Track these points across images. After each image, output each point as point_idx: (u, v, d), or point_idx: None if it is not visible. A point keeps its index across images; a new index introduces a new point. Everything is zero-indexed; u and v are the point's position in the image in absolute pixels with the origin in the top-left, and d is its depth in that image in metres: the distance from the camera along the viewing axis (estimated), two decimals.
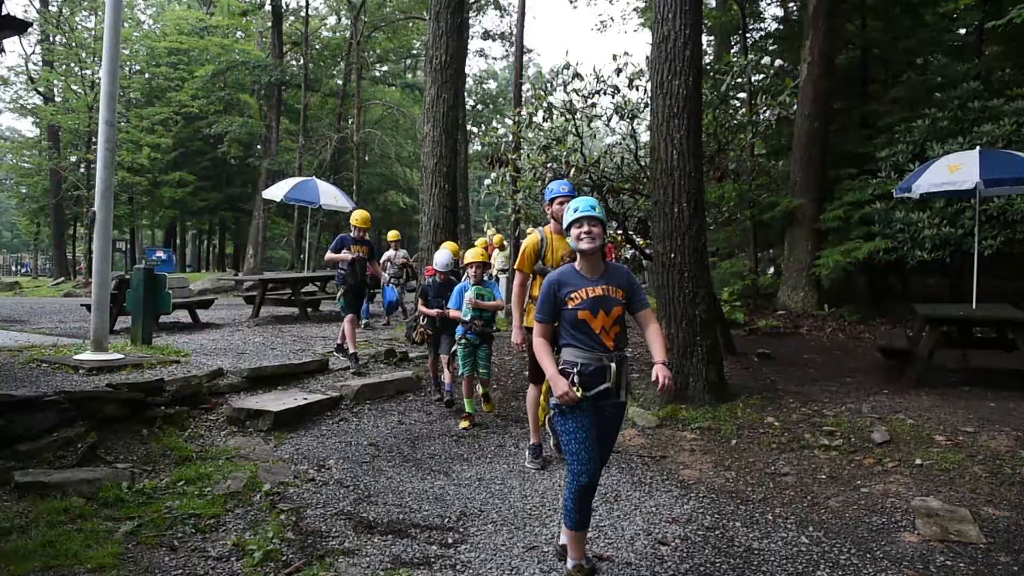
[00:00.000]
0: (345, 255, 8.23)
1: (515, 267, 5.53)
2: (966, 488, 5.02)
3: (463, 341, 6.55)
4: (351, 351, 8.18)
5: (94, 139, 27.50)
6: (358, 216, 8.62)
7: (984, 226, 9.65)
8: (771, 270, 18.24)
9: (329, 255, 8.41)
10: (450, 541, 4.16)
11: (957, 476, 5.22)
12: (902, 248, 10.99)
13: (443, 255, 7.28)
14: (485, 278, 6.82)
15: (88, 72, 30.27)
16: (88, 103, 27.93)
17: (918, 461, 5.48)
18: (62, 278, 27.97)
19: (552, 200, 5.34)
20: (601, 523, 4.45)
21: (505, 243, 16.35)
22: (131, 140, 28.31)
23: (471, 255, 6.87)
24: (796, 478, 5.34)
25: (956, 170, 8.16)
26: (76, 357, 6.76)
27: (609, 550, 4.06)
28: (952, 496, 4.89)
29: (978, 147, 8.82)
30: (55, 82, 31.58)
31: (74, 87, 30.85)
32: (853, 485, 5.17)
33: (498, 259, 14.53)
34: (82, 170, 30.18)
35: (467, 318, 6.57)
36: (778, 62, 15.26)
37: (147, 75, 32.36)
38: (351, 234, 8.47)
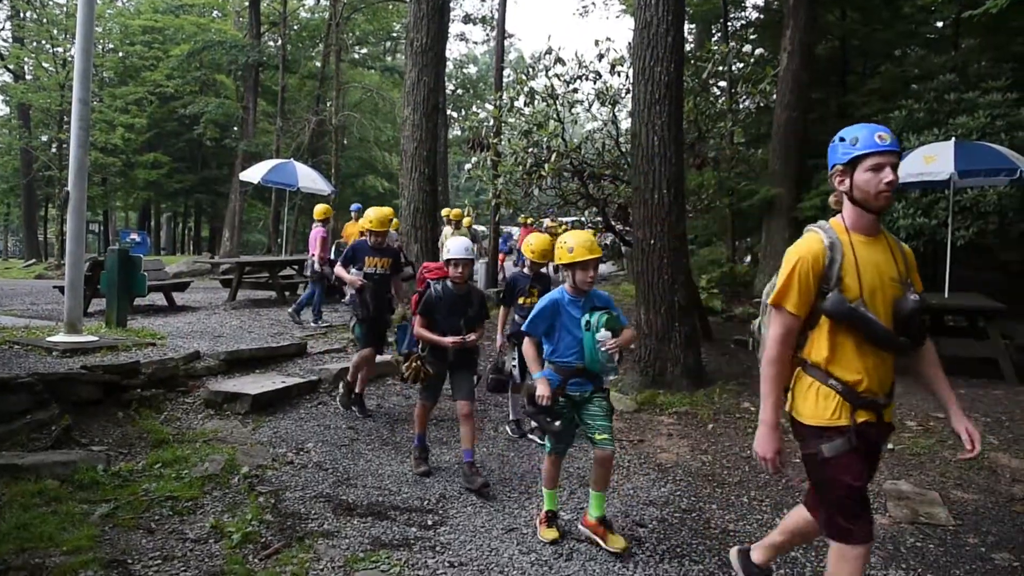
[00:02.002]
0: (353, 277, 6.19)
1: (772, 302, 2.80)
2: (936, 472, 5.13)
3: (560, 400, 3.82)
4: (358, 391, 6.52)
5: (66, 118, 26.98)
6: (374, 217, 6.27)
7: (957, 217, 9.80)
8: (748, 258, 18.40)
9: (339, 269, 6.43)
10: (430, 523, 4.17)
11: (927, 460, 5.33)
12: None
13: (460, 243, 4.83)
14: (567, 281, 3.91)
15: (60, 50, 29.61)
16: (60, 81, 27.34)
17: (890, 446, 5.57)
18: (33, 260, 27.48)
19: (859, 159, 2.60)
20: (580, 505, 4.48)
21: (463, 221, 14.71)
22: (104, 120, 27.76)
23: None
24: None
25: (931, 161, 8.28)
26: (50, 339, 6.66)
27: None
28: (922, 480, 5.00)
29: (953, 138, 8.94)
30: (26, 60, 30.86)
31: (45, 65, 30.17)
32: None
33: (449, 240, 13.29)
34: (54, 150, 29.58)
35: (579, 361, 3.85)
36: (759, 50, 15.32)
37: (121, 54, 31.70)
38: (368, 240, 6.36)
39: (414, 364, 4.91)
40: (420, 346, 4.97)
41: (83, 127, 7.02)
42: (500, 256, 16.61)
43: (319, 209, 10.30)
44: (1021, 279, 13.07)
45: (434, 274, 4.96)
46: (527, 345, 3.97)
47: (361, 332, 6.37)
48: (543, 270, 5.96)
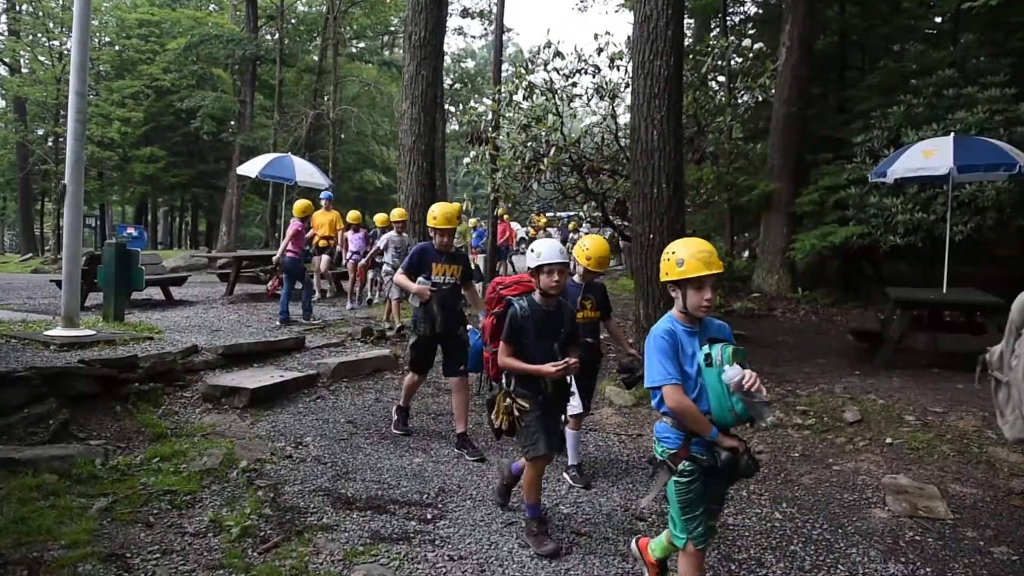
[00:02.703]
0: (420, 287, 5.29)
1: None
2: (934, 466, 5.14)
3: (688, 468, 2.88)
4: (403, 405, 5.87)
5: (62, 112, 26.90)
6: (439, 213, 5.39)
7: (955, 212, 9.80)
8: (746, 253, 18.40)
9: (400, 278, 5.47)
10: (429, 517, 4.17)
11: (926, 455, 5.33)
12: (875, 233, 11.13)
13: (553, 244, 3.88)
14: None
15: (56, 43, 29.48)
16: (56, 75, 27.22)
17: (888, 440, 5.58)
18: (30, 254, 27.37)
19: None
20: (579, 499, 4.49)
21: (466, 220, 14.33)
22: (101, 114, 27.65)
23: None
24: (770, 456, 5.42)
25: (930, 156, 8.27)
26: (47, 333, 6.64)
27: (587, 526, 4.10)
28: (921, 474, 5.00)
29: (952, 133, 8.93)
30: (21, 53, 30.71)
31: (41, 58, 30.04)
32: (825, 463, 5.27)
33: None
34: (50, 143, 29.46)
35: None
36: (758, 45, 15.30)
37: (117, 47, 31.55)
38: (433, 242, 5.45)
39: (504, 404, 3.83)
40: (504, 380, 3.91)
41: (80, 120, 6.99)
42: (472, 253, 15.54)
43: (299, 206, 9.79)
44: (1019, 274, 13.09)
45: (515, 290, 4.02)
46: (678, 395, 2.77)
47: (416, 353, 5.52)
48: (597, 279, 4.86)
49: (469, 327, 5.26)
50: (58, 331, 6.67)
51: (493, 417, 3.91)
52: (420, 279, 5.32)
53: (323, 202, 12.31)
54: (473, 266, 8.62)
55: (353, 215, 12.19)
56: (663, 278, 2.97)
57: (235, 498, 4.27)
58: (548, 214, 20.32)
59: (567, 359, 3.75)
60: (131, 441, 5.16)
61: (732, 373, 2.68)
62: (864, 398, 6.56)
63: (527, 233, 24.25)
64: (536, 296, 3.87)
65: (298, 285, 9.56)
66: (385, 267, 9.85)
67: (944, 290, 8.42)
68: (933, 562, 3.78)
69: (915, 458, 5.28)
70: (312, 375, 7.06)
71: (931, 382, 7.20)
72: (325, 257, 12.28)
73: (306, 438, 5.54)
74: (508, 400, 3.83)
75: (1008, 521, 4.31)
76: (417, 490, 4.60)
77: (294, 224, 9.54)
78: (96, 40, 30.01)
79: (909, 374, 7.54)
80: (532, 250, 3.85)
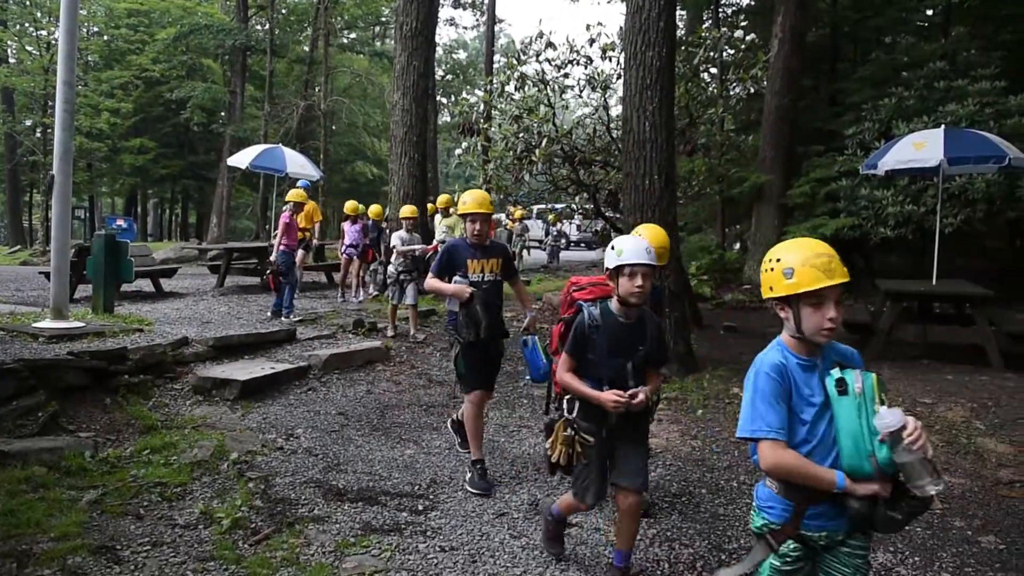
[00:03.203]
0: (460, 287, 4.43)
1: None
2: None
3: (794, 551, 2.19)
4: (474, 457, 4.63)
5: (50, 103, 26.67)
6: (471, 200, 4.57)
7: (945, 204, 9.85)
8: (737, 245, 18.45)
9: (431, 281, 4.57)
10: (420, 508, 4.17)
11: None
12: (866, 225, 11.18)
13: (639, 243, 3.19)
14: None
15: (43, 33, 29.20)
16: (44, 65, 26.99)
17: None
18: (18, 246, 27.19)
19: None
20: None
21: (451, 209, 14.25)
22: (89, 104, 27.43)
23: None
24: None
25: (921, 148, 8.30)
26: (35, 325, 6.58)
27: (579, 515, 4.11)
28: None
29: (943, 126, 8.97)
30: (9, 43, 30.41)
31: (29, 48, 29.75)
32: None
33: (440, 226, 11.00)
34: (38, 135, 29.23)
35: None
36: (750, 37, 15.31)
37: (106, 37, 31.29)
38: (465, 236, 4.66)
39: (564, 434, 3.23)
40: (568, 404, 3.26)
41: (68, 110, 6.92)
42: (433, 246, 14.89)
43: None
44: (1007, 266, 13.17)
45: (590, 293, 3.41)
46: (777, 454, 2.11)
47: (466, 365, 4.52)
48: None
49: (526, 336, 4.41)
50: (47, 323, 6.62)
51: (548, 447, 3.31)
52: (458, 278, 4.49)
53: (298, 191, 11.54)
54: None
55: (350, 206, 11.53)
56: (766, 294, 2.27)
57: (226, 490, 4.26)
58: (539, 206, 20.23)
59: (636, 390, 3.05)
60: (121, 433, 5.13)
61: (891, 420, 2.00)
62: None
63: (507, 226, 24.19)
64: (613, 304, 3.19)
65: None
66: (391, 270, 9.13)
67: (934, 282, 8.46)
68: (922, 551, 3.81)
69: None
70: (303, 367, 7.04)
71: (920, 373, 7.25)
72: (300, 251, 11.29)
73: (297, 430, 5.53)
74: (570, 430, 3.20)
75: (996, 511, 4.34)
76: (408, 481, 4.60)
77: (284, 216, 9.23)
78: (84, 30, 29.74)
79: (899, 365, 7.58)
80: (612, 247, 3.13)
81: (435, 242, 10.27)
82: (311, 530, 3.80)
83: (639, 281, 3.05)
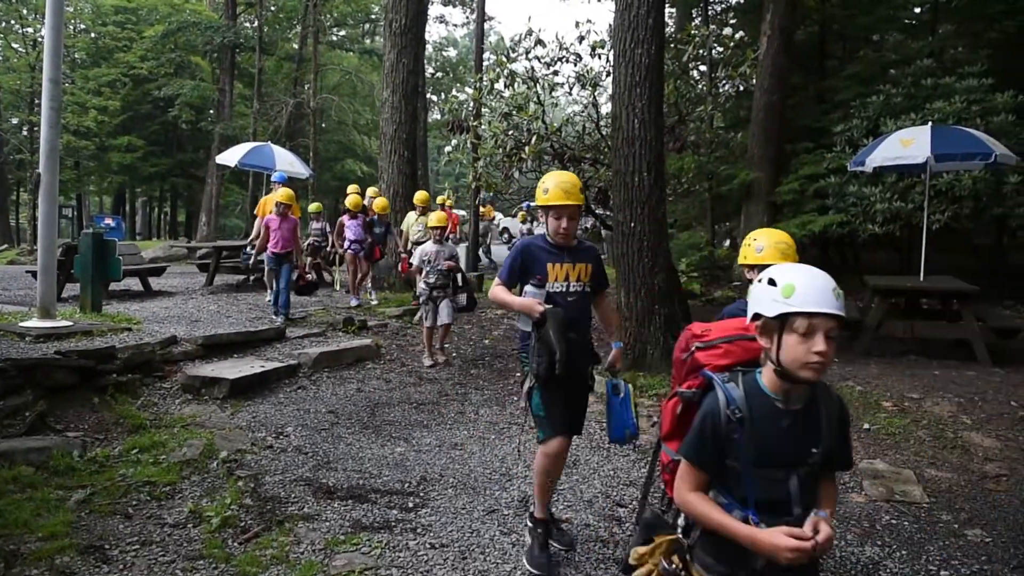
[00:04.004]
0: (530, 302, 3.36)
1: None
2: (911, 451, 5.21)
3: None
4: (537, 515, 3.58)
5: (37, 100, 26.45)
6: (553, 186, 3.44)
7: (933, 201, 9.91)
8: (727, 242, 18.51)
9: (496, 290, 3.53)
10: (410, 505, 4.17)
11: (902, 440, 5.40)
12: (854, 222, 11.23)
13: (821, 280, 1.86)
14: None
15: (30, 30, 28.96)
16: (30, 62, 26.77)
17: (866, 426, 5.66)
18: (5, 245, 26.97)
19: None
20: (561, 486, 4.50)
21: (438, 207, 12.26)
22: (77, 102, 27.22)
23: None
24: None
25: (908, 144, 8.35)
26: (23, 324, 6.54)
27: (568, 512, 4.12)
28: (897, 459, 5.07)
29: (930, 123, 9.03)
30: None
31: (15, 45, 29.49)
32: None
33: (415, 225, 10.34)
34: (24, 132, 28.99)
35: None
36: (739, 34, 15.35)
37: (93, 34, 31.05)
38: (539, 236, 3.66)
39: (666, 566, 2.13)
40: (683, 520, 2.17)
41: (54, 107, 6.87)
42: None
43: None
44: (994, 262, 13.28)
45: (727, 355, 2.17)
46: None
47: (542, 402, 3.42)
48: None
49: (612, 376, 3.50)
50: (34, 322, 6.58)
51: (635, 556, 2.25)
52: (528, 288, 3.42)
53: (275, 185, 10.63)
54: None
55: (352, 200, 10.73)
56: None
57: (215, 489, 4.25)
58: (529, 203, 20.13)
59: (817, 520, 1.86)
60: (109, 433, 5.11)
61: None
62: (842, 384, 6.63)
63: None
64: (764, 377, 1.97)
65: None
66: (421, 288, 7.83)
67: (921, 278, 8.52)
68: (909, 545, 3.84)
69: (892, 443, 5.35)
70: (293, 365, 7.03)
71: (908, 368, 7.30)
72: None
73: (287, 428, 5.51)
74: (676, 561, 2.11)
75: (982, 504, 4.38)
76: (399, 479, 4.60)
77: (269, 219, 8.86)
78: (71, 27, 29.50)
79: (887, 361, 7.63)
80: (770, 280, 1.89)
81: (411, 247, 9.85)
82: (301, 528, 3.80)
83: (820, 346, 1.79)
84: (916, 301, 9.10)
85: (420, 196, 10.55)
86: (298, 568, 3.36)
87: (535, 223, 22.38)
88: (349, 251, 10.51)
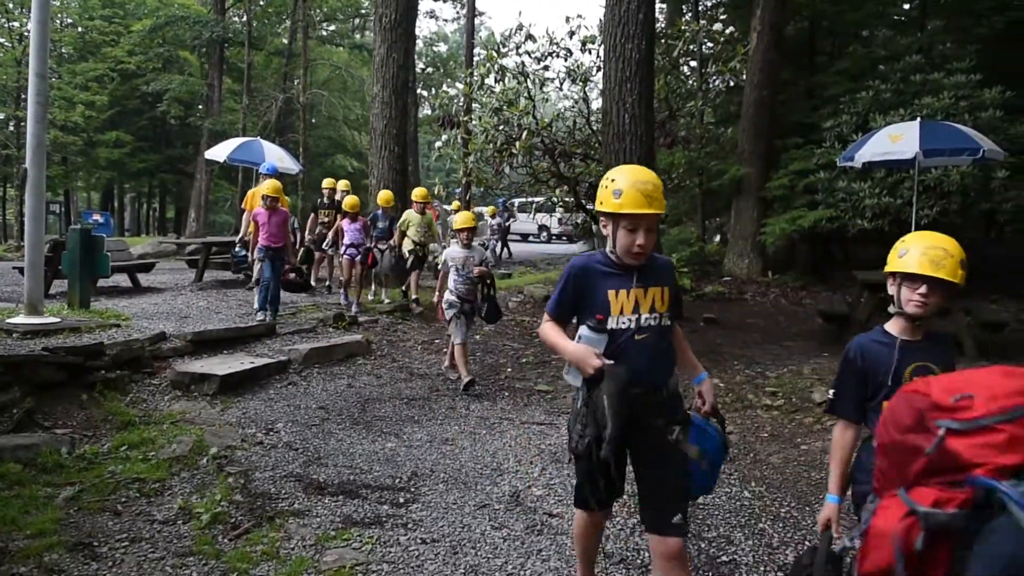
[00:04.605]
0: (584, 352, 2.47)
1: None
2: None
3: None
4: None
5: (23, 95, 26.21)
6: (632, 187, 2.45)
7: (921, 196, 9.96)
8: (717, 238, 18.57)
9: (545, 327, 2.71)
10: (401, 501, 4.17)
11: None
12: (844, 217, 11.28)
13: None
14: None
15: (16, 24, 28.68)
16: (16, 57, 26.50)
17: None
18: None
19: None
20: (552, 481, 4.52)
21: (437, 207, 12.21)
22: (64, 97, 26.98)
23: None
24: (740, 436, 5.50)
25: (897, 140, 8.38)
26: (9, 321, 6.49)
27: (559, 507, 4.13)
28: None
29: (919, 118, 9.07)
30: None
31: (1, 40, 29.20)
32: (793, 443, 5.35)
33: (416, 225, 9.80)
34: (11, 128, 28.71)
35: None
36: (729, 29, 15.38)
37: (80, 29, 30.80)
38: (597, 252, 2.72)
39: None
40: None
41: (40, 102, 6.82)
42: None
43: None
44: (981, 257, 13.37)
45: (1017, 450, 1.41)
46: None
47: (576, 470, 2.74)
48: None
49: (701, 416, 2.76)
50: (21, 319, 6.53)
51: None
52: (583, 330, 2.54)
53: (263, 178, 9.81)
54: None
55: (350, 201, 9.96)
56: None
57: (205, 485, 4.23)
58: (519, 199, 19.96)
59: None
60: (98, 429, 5.08)
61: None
62: (832, 378, 6.66)
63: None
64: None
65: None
66: (449, 299, 6.85)
67: None
68: None
69: None
70: (283, 361, 7.00)
71: None
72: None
73: (277, 424, 5.50)
74: None
75: None
76: (389, 474, 4.59)
77: (257, 212, 8.46)
78: (58, 21, 29.24)
79: None
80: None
81: (406, 252, 9.54)
82: (291, 524, 3.79)
83: None
84: None
85: (419, 192, 9.95)
86: (289, 564, 3.35)
87: (510, 217, 21.87)
88: (346, 256, 9.82)
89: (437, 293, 6.98)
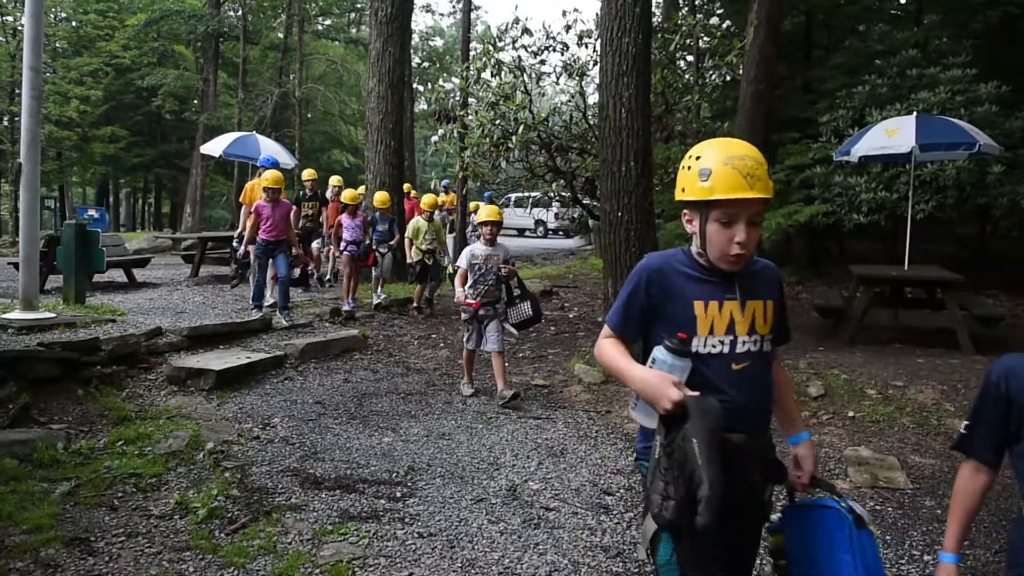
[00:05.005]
0: (659, 382, 1.78)
1: None
2: (895, 438, 5.26)
3: None
4: None
5: (17, 90, 26.11)
6: (728, 162, 1.89)
7: (917, 191, 9.97)
8: None
9: (605, 349, 2.05)
10: (398, 495, 4.17)
11: (887, 427, 5.45)
12: (840, 211, 11.29)
13: None
14: None
15: (9, 19, 28.52)
16: (10, 51, 26.36)
17: (851, 413, 5.70)
18: None
19: None
20: (548, 475, 4.52)
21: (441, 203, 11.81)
22: (58, 92, 26.84)
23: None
24: None
25: (894, 134, 8.39)
26: (5, 316, 6.47)
27: (555, 501, 4.13)
28: (882, 445, 5.12)
29: (915, 113, 9.07)
30: None
31: None
32: None
33: (425, 234, 9.47)
34: (5, 123, 28.58)
35: None
36: (726, 24, 15.35)
37: (74, 23, 30.65)
38: (675, 251, 2.08)
39: None
40: None
41: (35, 97, 6.79)
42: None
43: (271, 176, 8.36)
44: (977, 251, 13.41)
45: None
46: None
47: (677, 560, 1.84)
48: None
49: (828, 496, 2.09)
50: (16, 314, 6.51)
51: None
52: (659, 352, 1.88)
53: (262, 170, 9.42)
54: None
55: (349, 194, 9.68)
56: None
57: (202, 480, 4.23)
58: (516, 194, 19.85)
59: None
60: (94, 425, 5.07)
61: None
62: (828, 373, 6.68)
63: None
64: None
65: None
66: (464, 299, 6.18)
67: (906, 267, 8.59)
68: (893, 530, 3.89)
69: (876, 430, 5.40)
70: (280, 356, 6.99)
71: (892, 357, 7.35)
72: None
73: (274, 419, 5.49)
74: None
75: None
76: (386, 469, 4.59)
77: (258, 205, 8.23)
78: (51, 15, 29.08)
79: (871, 349, 7.68)
80: None
81: (411, 260, 9.20)
82: (288, 518, 3.79)
83: None
84: (901, 290, 9.16)
85: (428, 200, 9.60)
86: (286, 558, 3.36)
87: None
88: (345, 252, 9.54)
89: (458, 290, 6.18)
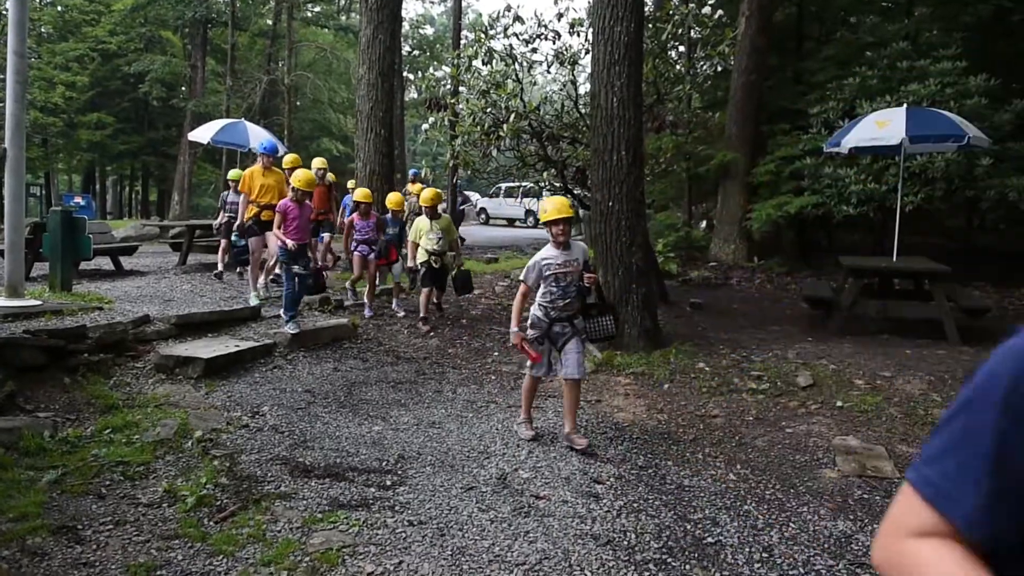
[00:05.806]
0: None
1: None
2: (883, 428, 5.30)
3: None
4: None
5: (1, 75, 25.77)
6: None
7: (906, 183, 10.02)
8: (704, 223, 18.59)
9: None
10: (388, 483, 4.17)
11: (875, 417, 5.49)
12: (829, 203, 11.33)
13: None
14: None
15: None
16: None
17: (839, 403, 5.74)
18: None
19: None
20: (539, 464, 4.53)
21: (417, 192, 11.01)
22: (43, 77, 26.52)
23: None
24: (725, 420, 5.53)
25: (884, 126, 8.41)
26: None
27: (546, 489, 4.14)
28: (870, 435, 5.15)
29: (905, 105, 9.09)
30: None
31: None
32: (778, 426, 5.39)
33: (429, 233, 8.45)
34: None
35: None
36: (718, 14, 15.33)
37: (60, 7, 30.26)
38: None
39: None
40: None
41: (19, 81, 6.71)
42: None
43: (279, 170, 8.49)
44: (965, 243, 13.50)
45: None
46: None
47: None
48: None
49: None
50: (1, 301, 6.45)
51: None
52: None
53: (262, 158, 8.79)
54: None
55: (362, 192, 8.95)
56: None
57: (190, 468, 4.21)
58: (507, 183, 19.59)
59: None
60: (81, 413, 5.03)
61: None
62: (816, 363, 6.72)
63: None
64: None
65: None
66: (535, 317, 4.97)
67: (894, 259, 8.64)
68: (880, 519, 3.90)
69: (864, 420, 5.44)
70: (269, 344, 6.95)
71: (880, 347, 7.40)
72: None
73: (263, 407, 5.47)
74: None
75: None
76: (376, 457, 4.58)
77: (285, 205, 7.40)
78: (36, 0, 28.69)
79: (860, 340, 7.73)
80: None
81: (418, 264, 8.28)
82: (278, 507, 3.78)
83: None
84: (889, 281, 9.21)
85: (428, 194, 8.49)
86: (275, 546, 3.34)
87: (464, 202, 20.68)
88: (356, 253, 8.72)
89: (515, 319, 4.84)
